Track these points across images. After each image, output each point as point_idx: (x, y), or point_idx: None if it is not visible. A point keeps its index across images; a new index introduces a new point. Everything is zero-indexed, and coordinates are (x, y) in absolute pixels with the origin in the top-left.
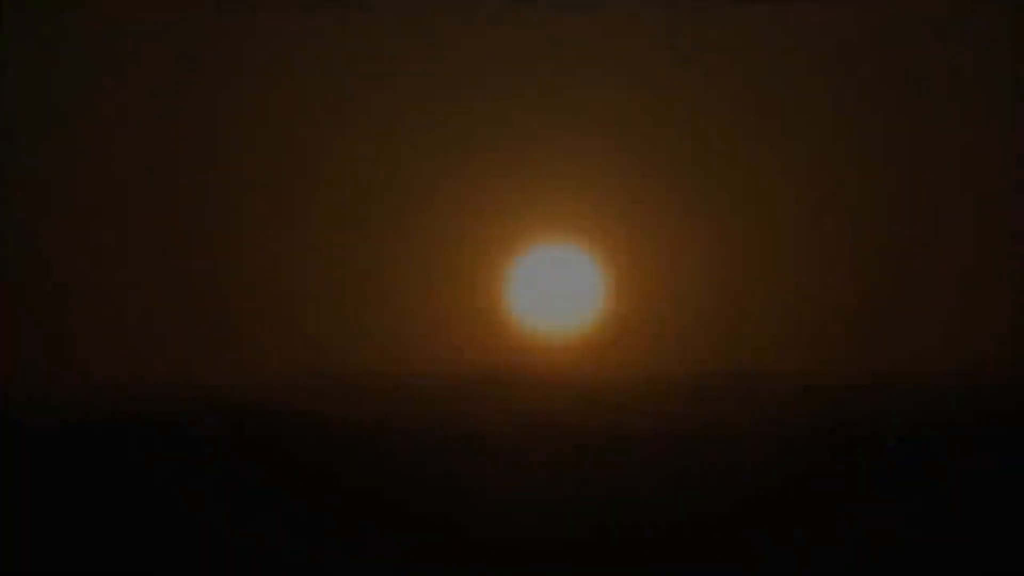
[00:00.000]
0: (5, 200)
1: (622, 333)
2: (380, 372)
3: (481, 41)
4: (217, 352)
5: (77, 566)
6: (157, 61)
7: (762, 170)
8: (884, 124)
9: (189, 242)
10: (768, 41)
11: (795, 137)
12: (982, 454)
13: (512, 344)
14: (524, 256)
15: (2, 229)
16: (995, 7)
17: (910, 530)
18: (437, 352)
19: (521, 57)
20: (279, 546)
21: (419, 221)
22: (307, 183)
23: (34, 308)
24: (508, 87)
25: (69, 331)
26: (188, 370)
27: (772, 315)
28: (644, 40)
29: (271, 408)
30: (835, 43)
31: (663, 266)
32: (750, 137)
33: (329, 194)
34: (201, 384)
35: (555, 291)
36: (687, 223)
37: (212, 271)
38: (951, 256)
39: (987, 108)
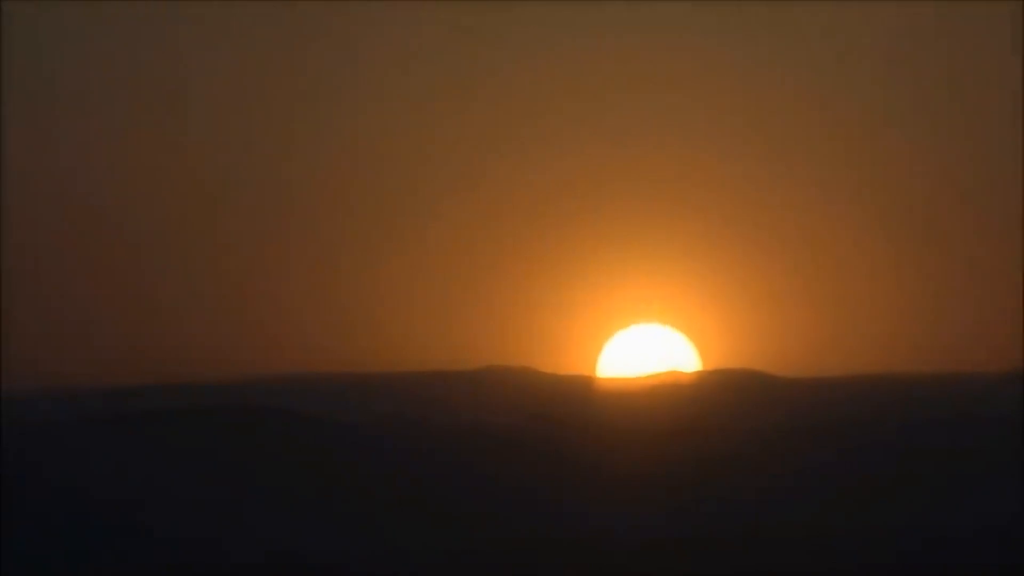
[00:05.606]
0: (5, 200)
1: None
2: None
3: (586, 129)
4: (222, 351)
5: (77, 562)
6: (157, 59)
7: (850, 247)
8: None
9: (200, 242)
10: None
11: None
12: (981, 452)
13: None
14: (619, 332)
15: (2, 228)
16: (995, 7)
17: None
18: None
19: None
20: (279, 543)
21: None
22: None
23: (35, 307)
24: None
25: (69, 331)
26: (189, 370)
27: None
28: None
29: (271, 408)
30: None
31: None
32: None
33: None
34: (202, 383)
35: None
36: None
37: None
38: (953, 255)
39: (988, 108)
